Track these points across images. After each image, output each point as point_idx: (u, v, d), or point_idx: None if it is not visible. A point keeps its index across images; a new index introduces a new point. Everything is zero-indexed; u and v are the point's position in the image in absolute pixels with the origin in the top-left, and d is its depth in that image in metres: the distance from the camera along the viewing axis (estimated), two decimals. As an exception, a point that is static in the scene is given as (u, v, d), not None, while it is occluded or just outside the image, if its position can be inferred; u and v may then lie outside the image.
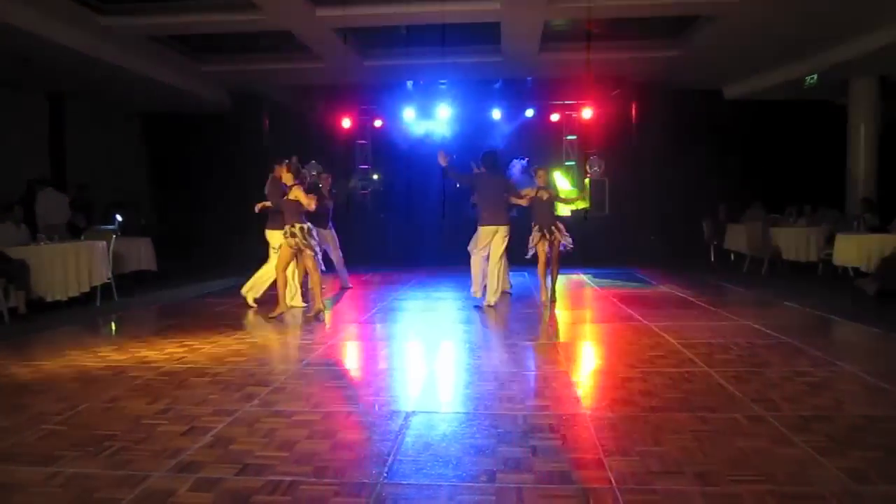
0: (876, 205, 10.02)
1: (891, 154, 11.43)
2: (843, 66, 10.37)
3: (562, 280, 9.63)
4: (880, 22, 8.82)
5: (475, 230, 7.78)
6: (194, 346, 5.53)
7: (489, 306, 7.37)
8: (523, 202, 7.60)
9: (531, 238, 7.57)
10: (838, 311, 6.68)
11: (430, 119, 13.87)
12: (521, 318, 6.98)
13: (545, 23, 9.02)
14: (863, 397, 3.92)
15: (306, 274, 7.37)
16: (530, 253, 7.62)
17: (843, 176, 11.54)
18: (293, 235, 6.80)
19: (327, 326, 6.58)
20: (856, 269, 8.49)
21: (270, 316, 6.93)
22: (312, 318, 6.88)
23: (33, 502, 2.66)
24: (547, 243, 7.50)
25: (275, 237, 7.30)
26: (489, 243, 7.46)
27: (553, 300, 7.70)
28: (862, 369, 4.46)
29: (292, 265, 7.37)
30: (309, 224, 6.93)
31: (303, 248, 6.84)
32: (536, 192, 7.53)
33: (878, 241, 8.15)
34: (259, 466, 2.94)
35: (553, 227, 7.50)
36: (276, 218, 7.23)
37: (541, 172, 7.65)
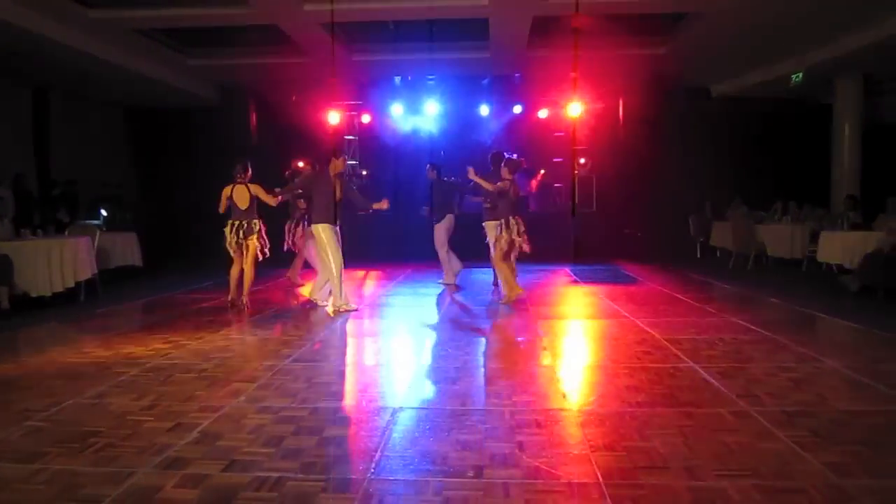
0: (860, 202, 10.12)
1: (875, 152, 11.55)
2: (828, 65, 10.46)
3: (547, 276, 9.69)
4: (865, 21, 8.90)
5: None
6: (180, 342, 5.50)
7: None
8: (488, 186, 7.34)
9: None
10: (822, 308, 6.74)
11: (418, 115, 13.85)
12: (508, 314, 6.99)
13: (533, 19, 9.02)
14: (845, 392, 3.96)
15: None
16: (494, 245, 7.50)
17: (828, 173, 11.65)
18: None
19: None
20: (839, 266, 8.57)
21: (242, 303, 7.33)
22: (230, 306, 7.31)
23: (18, 499, 2.64)
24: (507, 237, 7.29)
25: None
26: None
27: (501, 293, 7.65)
28: (845, 365, 4.51)
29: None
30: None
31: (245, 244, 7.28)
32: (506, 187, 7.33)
33: (861, 239, 8.23)
34: (246, 462, 2.93)
35: (511, 220, 7.24)
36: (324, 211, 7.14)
37: (505, 167, 7.45)
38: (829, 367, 4.50)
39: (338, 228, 7.07)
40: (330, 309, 6.93)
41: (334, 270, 6.92)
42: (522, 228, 7.27)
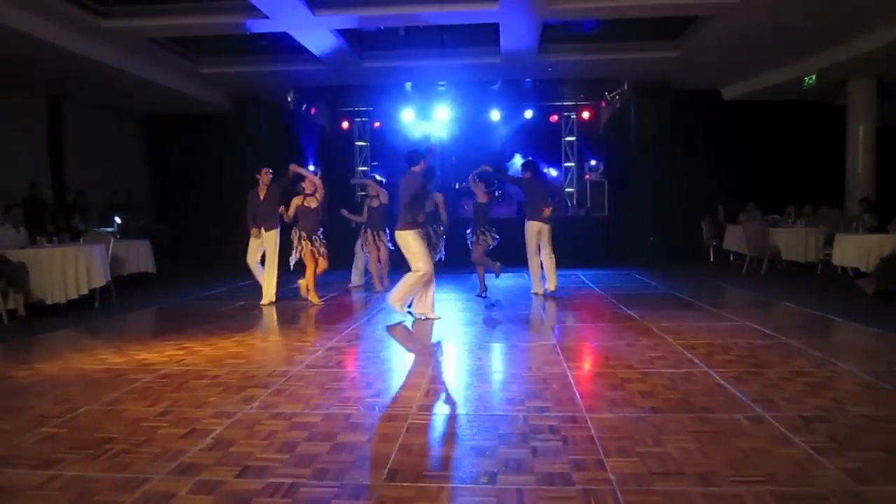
0: (875, 205, 10.04)
1: (889, 154, 11.45)
2: (841, 67, 10.38)
3: (560, 281, 9.68)
4: (878, 23, 8.83)
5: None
6: (193, 349, 5.52)
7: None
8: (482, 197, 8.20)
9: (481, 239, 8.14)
10: (838, 312, 6.68)
11: (429, 120, 13.90)
12: (521, 318, 6.97)
13: (543, 24, 9.02)
14: (863, 397, 3.91)
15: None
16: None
17: (843, 176, 11.55)
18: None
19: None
20: (855, 270, 8.49)
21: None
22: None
23: (33, 505, 2.66)
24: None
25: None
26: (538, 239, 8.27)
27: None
28: (862, 369, 4.46)
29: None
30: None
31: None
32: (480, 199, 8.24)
33: (877, 242, 8.15)
34: (259, 468, 2.94)
35: (484, 229, 8.12)
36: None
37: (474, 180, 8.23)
38: (846, 371, 4.46)
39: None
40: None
41: (424, 274, 6.74)
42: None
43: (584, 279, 10.12)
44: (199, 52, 10.74)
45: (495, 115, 13.93)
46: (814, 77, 10.92)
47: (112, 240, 8.71)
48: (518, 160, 13.53)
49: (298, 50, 10.18)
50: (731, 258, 12.02)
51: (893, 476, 2.77)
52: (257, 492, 2.70)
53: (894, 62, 9.98)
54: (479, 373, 4.65)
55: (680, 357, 4.94)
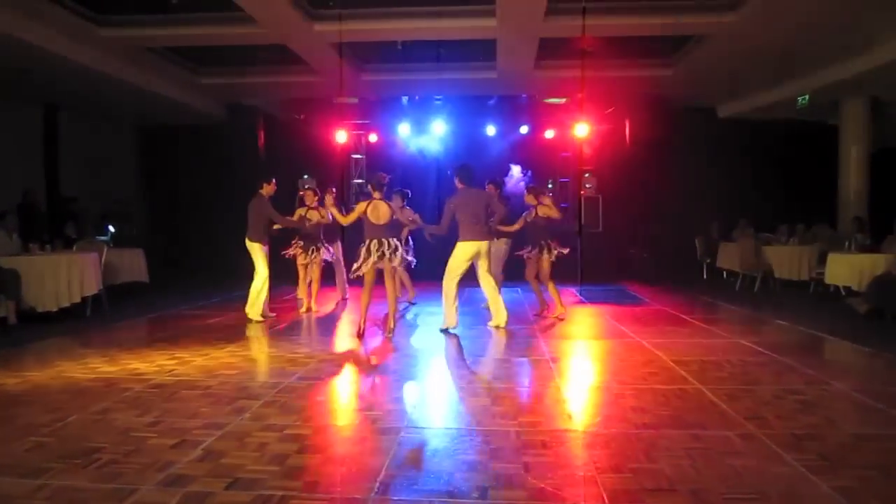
0: (867, 224, 10.09)
1: (882, 174, 11.53)
2: (834, 87, 10.48)
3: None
4: (871, 44, 8.94)
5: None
6: (185, 359, 5.49)
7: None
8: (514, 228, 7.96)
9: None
10: (830, 330, 6.70)
11: (425, 134, 13.94)
12: (513, 333, 6.96)
13: (540, 40, 9.08)
14: (854, 416, 3.92)
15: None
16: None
17: (835, 195, 11.63)
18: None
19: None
20: (847, 288, 8.53)
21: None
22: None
23: (20, 515, 2.63)
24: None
25: None
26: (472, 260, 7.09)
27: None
28: (853, 388, 4.47)
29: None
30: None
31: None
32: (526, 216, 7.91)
33: (869, 261, 8.19)
34: (250, 480, 2.92)
35: (545, 242, 7.73)
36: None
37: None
38: (838, 389, 4.46)
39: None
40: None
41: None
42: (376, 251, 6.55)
43: (578, 294, 10.12)
44: (196, 61, 10.76)
45: (491, 129, 13.97)
46: (807, 97, 11.03)
47: (105, 248, 8.68)
48: (516, 171, 13.58)
49: (296, 61, 10.21)
50: (725, 275, 12.05)
51: (885, 495, 2.77)
52: (247, 504, 2.69)
53: (886, 83, 10.09)
54: (472, 387, 4.64)
55: (672, 374, 4.95)
